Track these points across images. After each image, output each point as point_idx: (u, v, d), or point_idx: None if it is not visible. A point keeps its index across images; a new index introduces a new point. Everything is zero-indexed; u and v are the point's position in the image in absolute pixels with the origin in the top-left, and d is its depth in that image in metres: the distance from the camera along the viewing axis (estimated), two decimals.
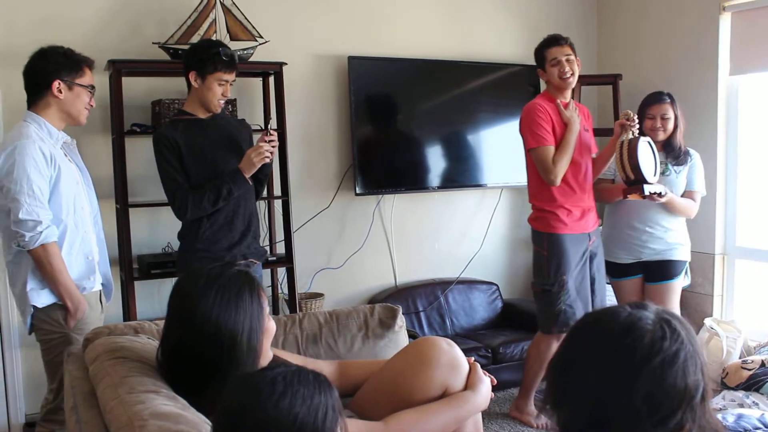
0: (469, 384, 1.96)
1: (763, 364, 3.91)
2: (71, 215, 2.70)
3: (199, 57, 3.05)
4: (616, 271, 3.84)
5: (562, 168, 3.46)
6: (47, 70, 2.67)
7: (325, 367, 2.09)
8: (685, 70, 4.57)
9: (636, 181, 3.45)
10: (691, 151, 3.80)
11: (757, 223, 4.46)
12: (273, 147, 3.13)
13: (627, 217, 3.73)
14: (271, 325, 1.78)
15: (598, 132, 4.37)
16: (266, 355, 1.76)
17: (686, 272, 3.77)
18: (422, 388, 1.92)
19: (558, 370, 1.15)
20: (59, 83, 2.67)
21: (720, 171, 4.38)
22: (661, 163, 3.68)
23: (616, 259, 3.81)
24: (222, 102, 3.11)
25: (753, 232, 4.46)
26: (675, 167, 3.73)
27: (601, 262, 3.76)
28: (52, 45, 2.74)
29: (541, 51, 3.60)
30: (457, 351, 2.00)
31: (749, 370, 3.91)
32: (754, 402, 3.72)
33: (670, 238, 3.72)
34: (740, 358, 4.13)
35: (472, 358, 2.06)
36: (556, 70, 3.54)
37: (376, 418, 1.87)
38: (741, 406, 3.71)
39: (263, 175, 3.31)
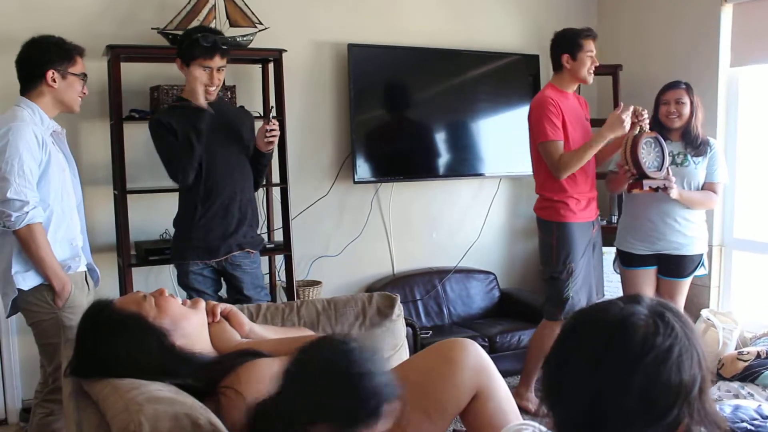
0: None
1: (758, 356, 3.92)
2: (58, 201, 2.71)
3: (181, 44, 3.06)
4: (630, 261, 3.78)
5: (572, 167, 3.48)
6: (41, 60, 2.70)
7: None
8: (685, 62, 4.56)
9: (638, 176, 3.47)
10: (711, 140, 3.71)
11: (755, 214, 4.46)
12: (274, 136, 3.13)
13: (646, 208, 3.67)
14: (186, 323, 1.84)
15: (597, 122, 4.34)
16: (202, 341, 1.85)
17: (703, 263, 3.74)
18: (452, 392, 1.90)
19: (552, 368, 1.14)
20: (53, 73, 2.70)
21: (723, 163, 4.37)
22: (679, 154, 3.65)
23: (632, 249, 3.74)
24: (213, 89, 3.09)
25: (751, 223, 4.47)
26: (694, 158, 3.64)
27: (599, 252, 3.79)
28: (42, 34, 2.76)
29: (577, 38, 3.55)
30: (482, 351, 1.99)
31: (745, 361, 3.92)
32: (749, 393, 3.73)
33: (689, 231, 3.64)
34: (736, 349, 4.14)
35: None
36: (589, 62, 3.57)
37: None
38: (736, 397, 3.73)
39: (262, 165, 3.30)
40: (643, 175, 3.45)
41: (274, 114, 3.26)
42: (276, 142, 3.19)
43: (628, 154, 3.46)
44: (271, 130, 3.12)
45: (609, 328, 1.08)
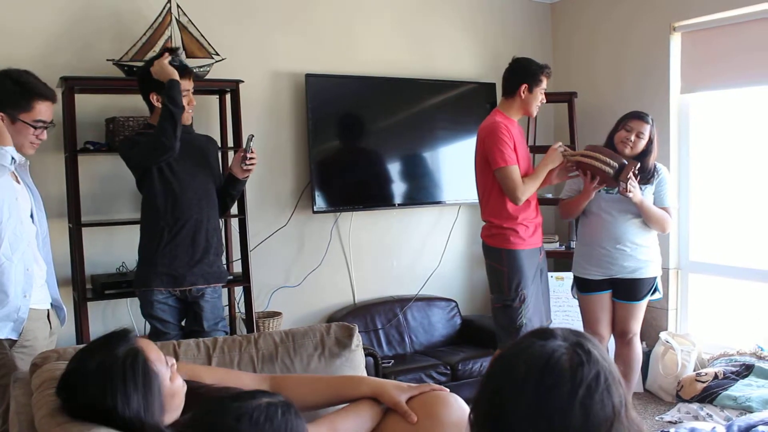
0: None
1: (716, 377, 3.97)
2: (10, 221, 2.55)
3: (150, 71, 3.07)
4: (585, 286, 3.80)
5: (530, 190, 3.52)
6: None
7: (250, 380, 2.03)
8: (637, 89, 4.66)
9: (620, 167, 3.48)
10: (659, 165, 3.74)
11: (709, 238, 4.55)
12: (253, 164, 3.21)
13: (598, 234, 3.70)
14: (171, 391, 1.72)
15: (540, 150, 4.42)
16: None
17: (657, 287, 3.77)
18: None
19: (484, 420, 1.10)
20: (2, 115, 2.53)
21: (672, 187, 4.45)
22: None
23: (587, 275, 3.76)
24: (190, 111, 3.14)
25: (706, 246, 4.55)
26: (642, 185, 3.64)
27: (546, 277, 3.81)
28: (14, 69, 2.61)
29: (538, 73, 3.57)
30: (464, 404, 1.97)
31: (703, 382, 3.97)
32: (708, 414, 3.77)
33: (641, 255, 3.66)
34: (694, 370, 4.20)
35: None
36: (541, 98, 3.61)
37: None
38: (696, 418, 3.77)
39: (237, 191, 3.35)
40: (624, 162, 3.48)
41: (253, 144, 3.24)
42: (253, 169, 3.25)
43: (599, 152, 3.52)
44: (251, 157, 3.18)
45: (536, 372, 1.06)
